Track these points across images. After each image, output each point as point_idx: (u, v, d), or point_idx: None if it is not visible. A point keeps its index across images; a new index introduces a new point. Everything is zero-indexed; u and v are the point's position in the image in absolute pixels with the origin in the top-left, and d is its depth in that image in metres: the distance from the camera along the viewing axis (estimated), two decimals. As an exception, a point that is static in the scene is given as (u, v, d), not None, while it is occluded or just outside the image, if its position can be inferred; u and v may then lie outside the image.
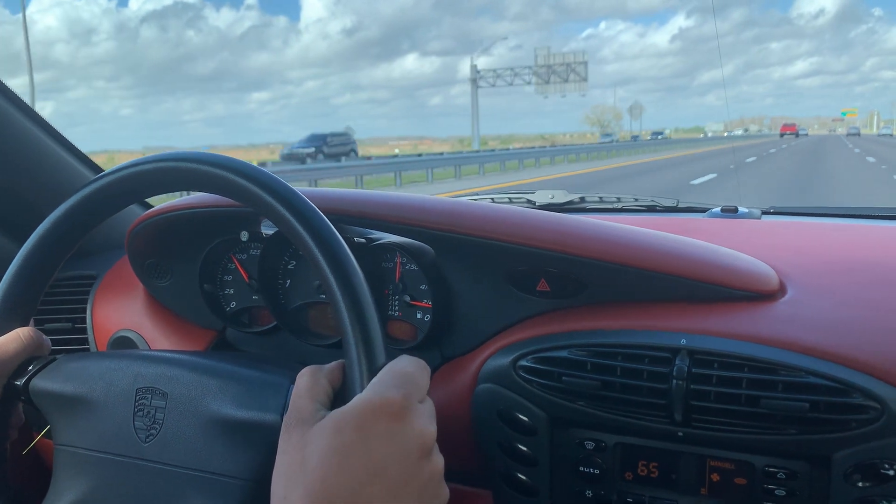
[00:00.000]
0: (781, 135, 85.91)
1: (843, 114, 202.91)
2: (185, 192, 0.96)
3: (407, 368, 0.62)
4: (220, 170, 0.70)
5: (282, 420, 0.62)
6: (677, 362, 0.79)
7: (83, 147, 1.39)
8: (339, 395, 0.63)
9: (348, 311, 0.63)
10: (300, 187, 0.81)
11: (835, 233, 1.23)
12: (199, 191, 0.75)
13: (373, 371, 0.62)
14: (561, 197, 1.54)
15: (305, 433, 0.58)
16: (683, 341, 0.81)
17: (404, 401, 0.58)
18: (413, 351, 0.99)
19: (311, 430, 0.58)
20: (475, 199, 1.50)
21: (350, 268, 0.65)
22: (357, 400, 0.59)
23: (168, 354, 0.79)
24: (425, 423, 0.60)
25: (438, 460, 0.61)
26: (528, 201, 1.55)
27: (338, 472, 0.55)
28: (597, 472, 0.86)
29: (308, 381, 0.63)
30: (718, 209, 1.38)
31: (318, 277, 0.66)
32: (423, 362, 0.64)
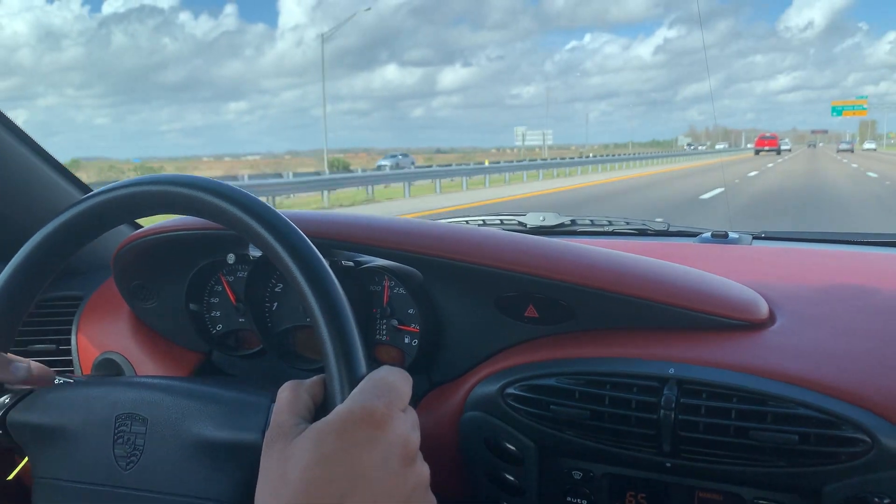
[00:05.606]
0: (756, 151, 65.43)
1: (837, 111, 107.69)
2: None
3: (388, 378, 0.61)
4: (205, 194, 0.69)
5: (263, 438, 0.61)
6: (665, 392, 0.78)
7: (65, 156, 1.37)
8: (321, 409, 0.62)
9: (326, 324, 0.62)
10: (287, 210, 0.80)
11: (826, 260, 1.22)
12: (187, 215, 0.74)
13: (353, 382, 0.61)
14: (552, 219, 1.54)
15: (287, 447, 0.57)
16: (672, 370, 0.80)
17: (386, 409, 0.58)
18: None
19: (292, 444, 0.57)
20: (468, 221, 1.49)
21: (327, 280, 0.64)
22: (338, 410, 0.58)
23: (148, 380, 0.78)
24: (408, 430, 0.59)
25: (423, 469, 0.60)
26: (520, 223, 1.54)
27: (320, 483, 0.54)
28: (585, 502, 0.85)
29: (289, 396, 0.62)
30: (709, 234, 1.38)
31: (297, 294, 0.65)
32: (404, 372, 0.63)
